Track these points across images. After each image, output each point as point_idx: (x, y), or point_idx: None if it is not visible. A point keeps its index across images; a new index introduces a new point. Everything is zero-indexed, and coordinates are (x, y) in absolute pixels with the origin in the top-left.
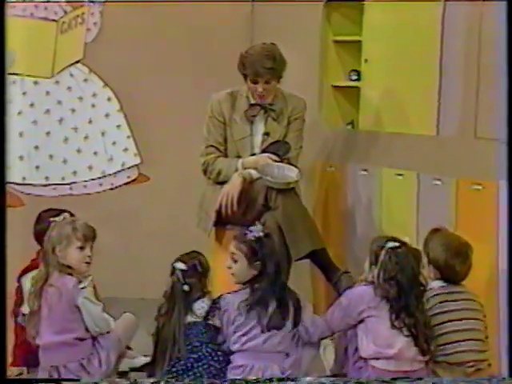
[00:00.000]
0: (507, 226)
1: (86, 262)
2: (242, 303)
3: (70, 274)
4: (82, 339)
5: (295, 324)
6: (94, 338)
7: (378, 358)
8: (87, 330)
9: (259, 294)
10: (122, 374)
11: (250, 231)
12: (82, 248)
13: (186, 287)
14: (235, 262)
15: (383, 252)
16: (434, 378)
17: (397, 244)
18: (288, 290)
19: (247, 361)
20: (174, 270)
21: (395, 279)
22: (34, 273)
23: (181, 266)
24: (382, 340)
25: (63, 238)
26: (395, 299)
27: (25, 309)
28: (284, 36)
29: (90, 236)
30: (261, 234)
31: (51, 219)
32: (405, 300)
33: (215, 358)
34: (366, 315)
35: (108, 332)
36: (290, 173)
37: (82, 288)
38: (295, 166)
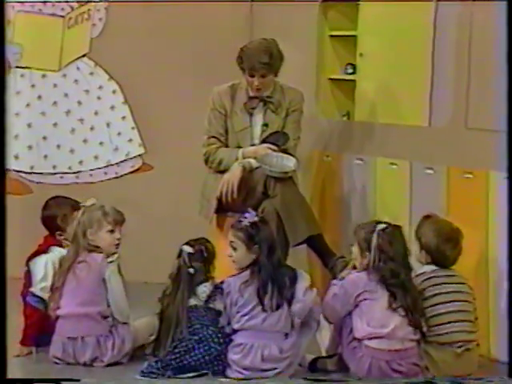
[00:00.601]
0: (507, 214)
1: (116, 244)
2: (243, 285)
3: (97, 252)
4: (103, 316)
5: (291, 303)
6: (113, 325)
7: (371, 338)
8: (109, 306)
9: (258, 276)
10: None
11: (245, 218)
12: (112, 231)
13: (191, 270)
14: (235, 249)
15: (375, 235)
16: (440, 378)
17: (385, 225)
18: (286, 271)
19: (247, 339)
20: (181, 252)
21: (391, 258)
22: (43, 257)
23: (188, 249)
24: (377, 321)
25: (94, 222)
26: (393, 278)
27: (35, 289)
28: (282, 32)
29: (119, 220)
30: (255, 219)
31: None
32: (399, 277)
33: (215, 340)
34: (361, 299)
35: (127, 323)
36: (288, 162)
37: (110, 262)
38: (293, 156)
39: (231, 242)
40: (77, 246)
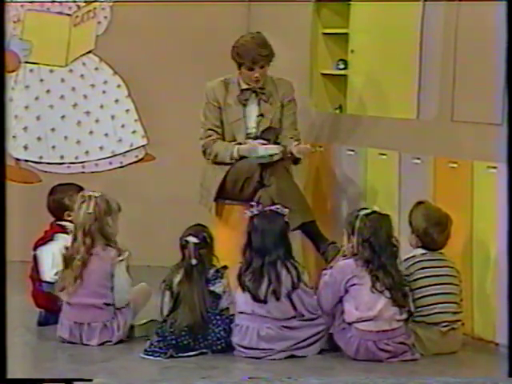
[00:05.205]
0: (507, 207)
1: None
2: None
3: (111, 246)
4: (108, 304)
5: (292, 290)
6: (116, 308)
7: (360, 322)
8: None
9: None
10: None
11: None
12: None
13: (197, 259)
14: None
15: (358, 219)
16: (438, 378)
17: (369, 211)
18: (285, 262)
19: (244, 322)
20: (186, 243)
21: (370, 241)
22: (49, 246)
23: (193, 239)
24: (364, 305)
25: (113, 210)
26: (372, 260)
27: (47, 277)
28: (278, 30)
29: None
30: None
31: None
32: (380, 260)
33: (213, 322)
34: (349, 284)
35: (128, 304)
36: (273, 150)
37: (121, 260)
38: (278, 144)
39: None
40: (91, 236)
